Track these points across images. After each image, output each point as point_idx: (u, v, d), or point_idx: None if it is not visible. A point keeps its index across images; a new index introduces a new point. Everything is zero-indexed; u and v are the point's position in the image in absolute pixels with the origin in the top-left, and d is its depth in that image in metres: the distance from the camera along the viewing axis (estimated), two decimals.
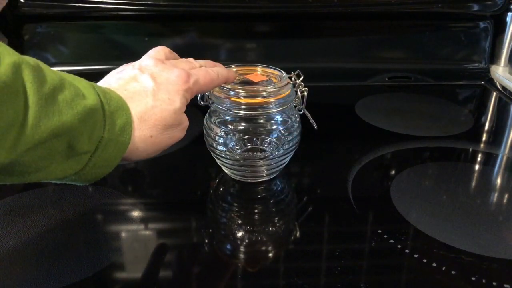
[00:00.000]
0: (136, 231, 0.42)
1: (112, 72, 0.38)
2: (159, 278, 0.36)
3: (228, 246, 0.41)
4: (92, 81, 0.34)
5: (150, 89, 0.35)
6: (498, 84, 0.80)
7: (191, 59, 0.42)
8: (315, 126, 0.48)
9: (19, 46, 0.77)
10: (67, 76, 0.31)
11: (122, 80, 0.36)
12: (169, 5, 0.74)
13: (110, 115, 0.32)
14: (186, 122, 0.38)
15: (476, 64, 0.83)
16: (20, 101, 0.26)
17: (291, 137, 0.46)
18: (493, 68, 0.84)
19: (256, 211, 0.46)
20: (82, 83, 0.32)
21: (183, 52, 0.79)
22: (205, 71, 0.40)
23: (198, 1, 0.75)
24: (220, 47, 0.80)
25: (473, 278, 0.36)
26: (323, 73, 0.79)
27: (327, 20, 0.81)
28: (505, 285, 0.36)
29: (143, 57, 0.39)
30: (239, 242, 0.41)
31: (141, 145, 0.35)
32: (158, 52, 0.40)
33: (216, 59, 0.82)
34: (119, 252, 0.39)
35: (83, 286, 0.35)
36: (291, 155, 0.48)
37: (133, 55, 0.78)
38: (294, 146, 0.47)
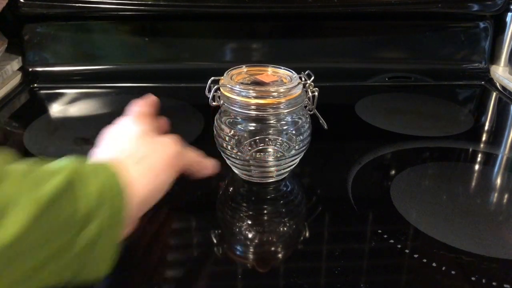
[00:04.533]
0: (141, 230, 0.42)
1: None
2: (164, 278, 0.36)
3: (236, 246, 0.41)
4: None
5: None
6: (498, 84, 0.80)
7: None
8: (325, 126, 0.48)
9: (19, 46, 0.77)
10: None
11: None
12: (169, 5, 0.74)
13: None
14: None
15: (476, 64, 0.83)
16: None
17: (301, 138, 0.46)
18: (493, 68, 0.84)
19: (265, 211, 0.46)
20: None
21: (183, 52, 0.79)
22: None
23: (198, 1, 0.75)
24: (220, 48, 0.79)
25: (473, 278, 0.36)
26: (323, 73, 0.79)
27: (327, 20, 0.81)
28: (505, 285, 0.36)
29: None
30: (248, 242, 0.41)
31: None
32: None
33: (216, 59, 0.81)
34: (122, 252, 0.39)
35: (83, 286, 0.35)
36: (302, 156, 0.48)
37: (133, 55, 0.79)
38: (305, 147, 0.47)
